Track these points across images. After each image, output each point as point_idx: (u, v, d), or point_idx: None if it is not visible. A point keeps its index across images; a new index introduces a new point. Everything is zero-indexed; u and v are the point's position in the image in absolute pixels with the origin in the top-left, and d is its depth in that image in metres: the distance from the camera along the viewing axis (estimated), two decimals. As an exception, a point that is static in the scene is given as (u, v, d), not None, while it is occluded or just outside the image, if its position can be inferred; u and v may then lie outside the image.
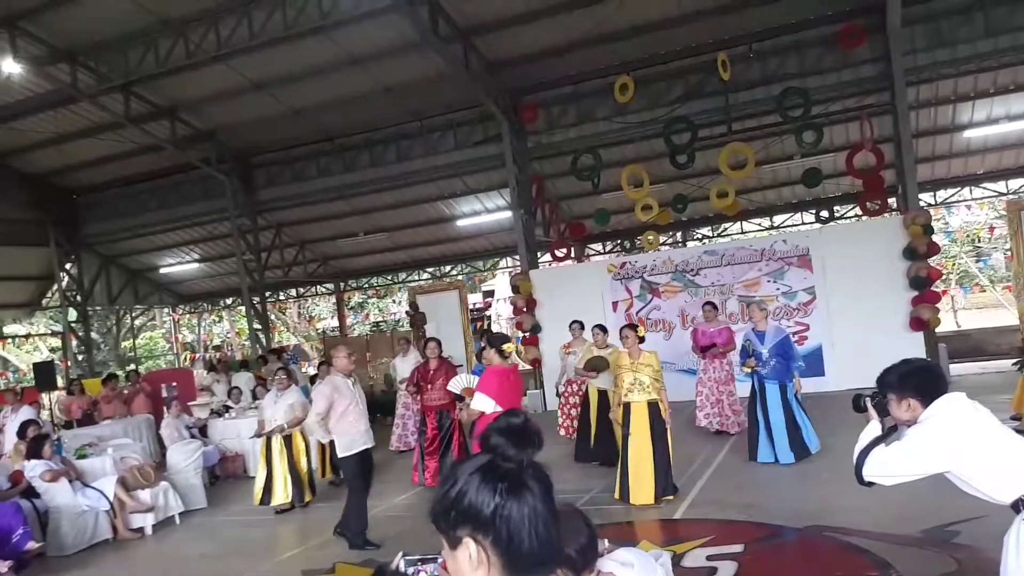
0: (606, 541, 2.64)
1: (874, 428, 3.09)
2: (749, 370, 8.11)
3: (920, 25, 12.50)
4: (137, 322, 27.39)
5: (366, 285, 25.90)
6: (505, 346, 6.18)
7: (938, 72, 12.93)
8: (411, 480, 8.95)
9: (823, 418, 8.66)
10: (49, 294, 22.61)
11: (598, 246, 20.84)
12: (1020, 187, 17.43)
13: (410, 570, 2.02)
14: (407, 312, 17.44)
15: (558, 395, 10.59)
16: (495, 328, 27.65)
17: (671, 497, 6.98)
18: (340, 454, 6.80)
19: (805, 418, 8.04)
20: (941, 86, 13.81)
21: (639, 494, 6.93)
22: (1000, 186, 17.64)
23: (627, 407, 7.11)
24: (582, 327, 10.07)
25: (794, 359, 8.06)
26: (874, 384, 3.19)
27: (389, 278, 24.74)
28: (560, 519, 1.33)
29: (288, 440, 8.73)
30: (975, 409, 2.91)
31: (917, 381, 3.00)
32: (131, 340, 27.03)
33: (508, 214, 16.41)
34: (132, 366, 23.18)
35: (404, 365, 11.20)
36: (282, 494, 8.53)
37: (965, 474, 2.86)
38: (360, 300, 32.59)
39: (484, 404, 5.88)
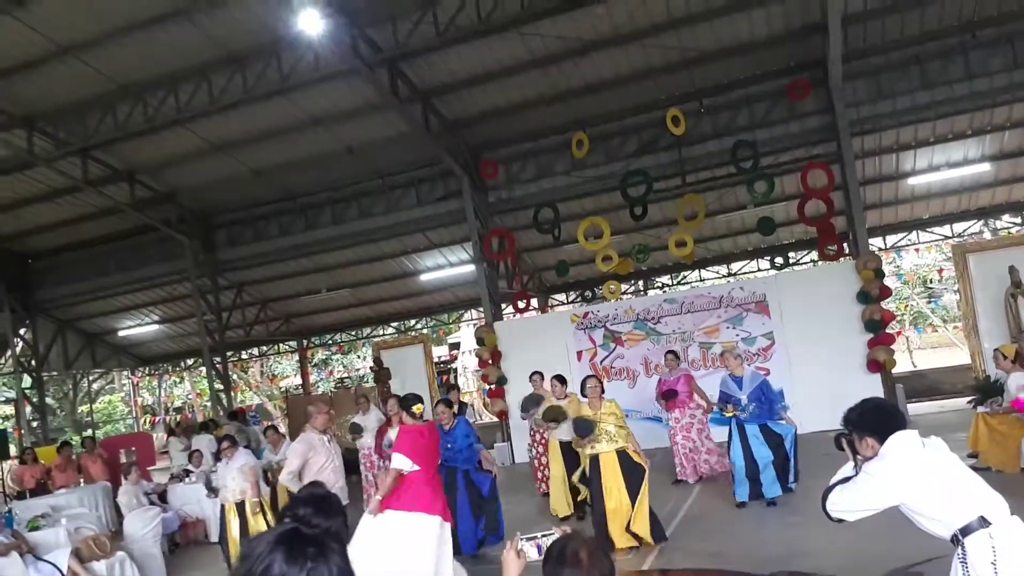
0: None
1: (848, 466, 3.23)
2: (730, 415, 8.21)
3: (861, 79, 13.09)
4: (95, 386, 26.79)
5: (330, 341, 25.71)
6: (415, 407, 6.20)
7: (880, 123, 13.49)
8: None
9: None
10: (2, 360, 22.03)
11: (561, 296, 21.05)
12: (964, 231, 18.10)
13: (529, 545, 2.43)
14: (371, 368, 17.32)
15: (530, 451, 10.56)
16: (461, 381, 27.61)
17: (654, 545, 6.96)
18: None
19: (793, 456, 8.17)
20: (884, 136, 14.39)
21: (621, 539, 6.92)
22: (946, 230, 18.31)
23: (595, 459, 7.11)
24: (542, 378, 9.98)
25: (777, 400, 8.25)
26: (840, 424, 3.33)
27: (353, 334, 24.60)
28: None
29: (240, 506, 8.23)
30: (923, 446, 3.04)
31: (871, 420, 3.17)
32: (88, 404, 26.37)
33: (471, 267, 16.54)
34: (89, 431, 22.59)
35: (365, 423, 11.10)
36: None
37: (914, 508, 2.99)
38: (324, 357, 32.32)
39: (402, 463, 5.88)
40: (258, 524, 8.31)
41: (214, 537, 10.52)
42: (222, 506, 8.40)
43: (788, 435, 8.14)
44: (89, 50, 11.41)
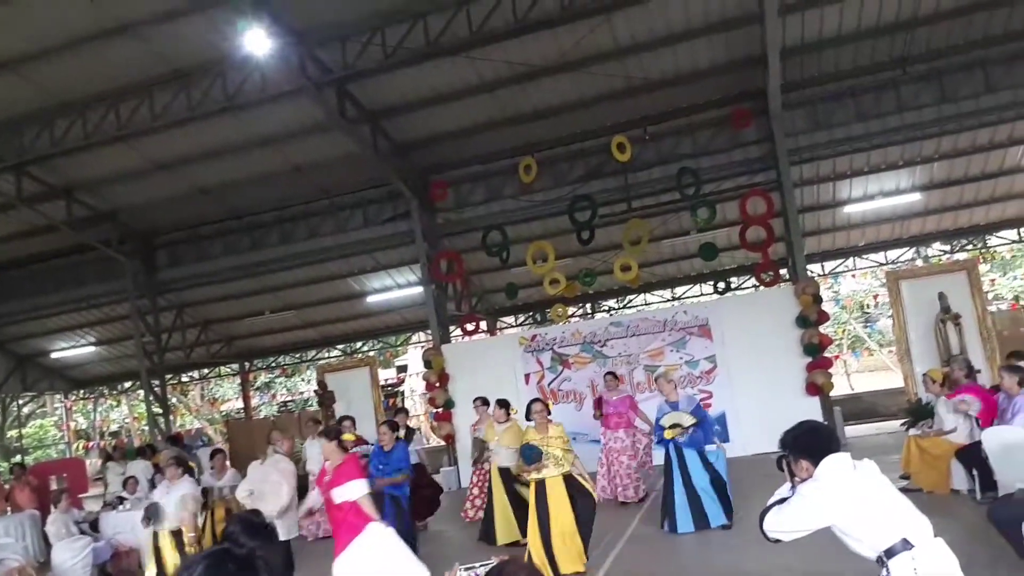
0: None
1: (785, 488, 3.29)
2: (670, 437, 8.19)
3: (799, 109, 13.54)
4: (25, 410, 25.74)
5: (273, 364, 25.24)
6: (345, 437, 6.19)
7: (818, 152, 13.96)
8: None
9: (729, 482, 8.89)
10: (-75, 384, 21.08)
11: (510, 319, 21.09)
12: (898, 258, 18.76)
13: (469, 574, 2.52)
14: (315, 391, 17.06)
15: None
16: (409, 404, 27.34)
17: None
18: (281, 537, 6.53)
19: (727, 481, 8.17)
20: (822, 165, 14.89)
21: (567, 563, 6.87)
22: (880, 257, 18.96)
23: (542, 484, 7.02)
24: (486, 403, 9.90)
25: (711, 423, 8.29)
26: (778, 447, 3.40)
27: (298, 356, 24.21)
28: None
29: (177, 533, 7.57)
30: (855, 469, 3.13)
31: (804, 443, 3.24)
32: (18, 429, 25.32)
33: (419, 289, 16.47)
34: (18, 457, 21.68)
35: (314, 450, 10.87)
36: None
37: (843, 529, 3.09)
38: (267, 380, 31.70)
39: (364, 488, 5.77)
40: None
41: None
42: (155, 533, 8.00)
43: (719, 460, 8.15)
44: (26, 64, 11.13)
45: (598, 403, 10.57)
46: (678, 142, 14.16)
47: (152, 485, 11.57)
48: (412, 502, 8.33)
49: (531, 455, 7.16)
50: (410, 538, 7.41)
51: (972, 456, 7.69)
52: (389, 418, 9.88)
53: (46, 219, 14.61)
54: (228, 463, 10.84)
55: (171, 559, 7.69)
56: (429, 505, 10.11)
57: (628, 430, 10.16)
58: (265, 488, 6.63)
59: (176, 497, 7.72)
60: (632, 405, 10.24)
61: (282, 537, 6.50)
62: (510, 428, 8.64)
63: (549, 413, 7.38)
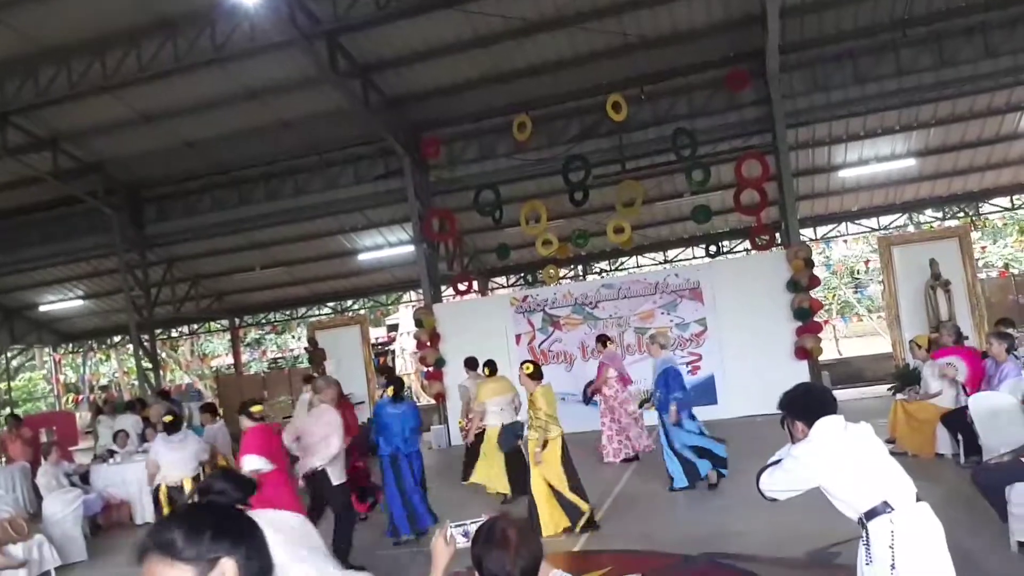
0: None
1: (785, 448, 3.32)
2: (650, 407, 8.31)
3: (798, 71, 13.36)
4: (14, 363, 25.70)
5: (263, 321, 25.19)
6: (253, 408, 6.32)
7: (815, 115, 13.82)
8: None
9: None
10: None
11: (501, 279, 21.05)
12: (891, 223, 18.75)
13: (459, 530, 2.49)
14: (306, 348, 17.04)
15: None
16: (399, 363, 27.44)
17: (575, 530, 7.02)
18: (335, 483, 6.77)
19: (687, 448, 8.06)
20: (818, 129, 14.77)
21: (548, 526, 6.96)
22: (873, 222, 18.95)
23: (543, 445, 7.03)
24: (473, 366, 10.35)
25: (672, 389, 7.99)
26: (773, 409, 3.43)
27: (288, 313, 24.16)
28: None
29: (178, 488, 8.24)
30: (847, 430, 3.13)
31: (800, 404, 3.27)
32: (7, 382, 25.30)
33: (411, 248, 16.38)
34: (8, 409, 21.69)
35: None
36: None
37: (829, 490, 3.12)
38: (257, 336, 31.69)
39: (257, 464, 5.90)
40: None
41: (140, 520, 10.27)
42: (158, 486, 8.26)
43: (668, 428, 8.10)
44: (6, 10, 10.80)
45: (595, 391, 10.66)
46: (674, 103, 13.98)
47: (142, 439, 11.62)
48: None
49: (508, 440, 7.18)
50: (421, 491, 7.57)
51: (957, 421, 7.79)
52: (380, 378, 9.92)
53: (32, 170, 14.38)
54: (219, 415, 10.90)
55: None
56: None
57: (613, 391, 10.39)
58: (313, 441, 6.72)
59: (188, 454, 8.34)
60: (600, 372, 10.51)
61: (335, 482, 6.76)
62: (498, 382, 8.78)
63: (537, 376, 7.21)
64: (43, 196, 16.42)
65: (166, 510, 8.16)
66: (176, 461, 8.25)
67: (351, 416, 9.16)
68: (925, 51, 12.91)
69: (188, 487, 8.12)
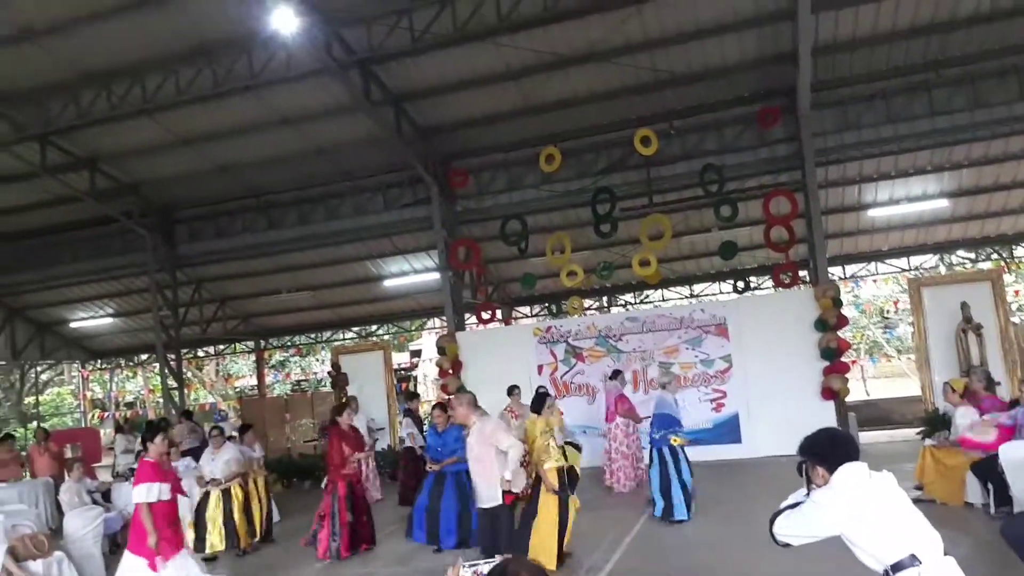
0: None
1: (800, 492, 3.26)
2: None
3: (829, 109, 13.30)
4: (43, 377, 26.07)
5: (288, 343, 25.36)
6: (155, 440, 6.72)
7: (845, 154, 13.75)
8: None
9: (739, 484, 8.83)
10: (-54, 347, 21.36)
11: (525, 309, 21.03)
12: (921, 264, 18.49)
13: (470, 572, 2.56)
14: (329, 372, 17.11)
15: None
16: (421, 389, 27.41)
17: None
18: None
19: (686, 479, 8.37)
20: (848, 167, 14.67)
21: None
22: (903, 262, 18.70)
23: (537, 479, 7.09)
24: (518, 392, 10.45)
25: (661, 425, 8.40)
26: (794, 451, 3.36)
27: (313, 337, 24.30)
28: None
29: (226, 492, 9.12)
30: (871, 478, 3.06)
31: (821, 450, 3.21)
32: (35, 396, 25.66)
33: (436, 275, 16.45)
34: (35, 423, 21.97)
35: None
36: (217, 543, 8.93)
37: (851, 539, 3.04)
38: (282, 359, 31.88)
39: (136, 494, 6.41)
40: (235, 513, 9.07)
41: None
42: (206, 493, 9.17)
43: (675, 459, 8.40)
44: (51, 36, 11.15)
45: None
46: (703, 138, 13.99)
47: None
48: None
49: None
50: (468, 516, 7.73)
51: (988, 469, 7.58)
52: (401, 403, 9.99)
53: (69, 189, 14.70)
54: (231, 440, 10.92)
55: (217, 518, 8.97)
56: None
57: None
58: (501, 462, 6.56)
59: (222, 462, 9.23)
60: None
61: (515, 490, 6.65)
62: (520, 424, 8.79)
63: (544, 405, 7.35)
64: (78, 215, 16.76)
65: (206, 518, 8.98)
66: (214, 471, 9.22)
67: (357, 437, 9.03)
68: (959, 92, 12.79)
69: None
